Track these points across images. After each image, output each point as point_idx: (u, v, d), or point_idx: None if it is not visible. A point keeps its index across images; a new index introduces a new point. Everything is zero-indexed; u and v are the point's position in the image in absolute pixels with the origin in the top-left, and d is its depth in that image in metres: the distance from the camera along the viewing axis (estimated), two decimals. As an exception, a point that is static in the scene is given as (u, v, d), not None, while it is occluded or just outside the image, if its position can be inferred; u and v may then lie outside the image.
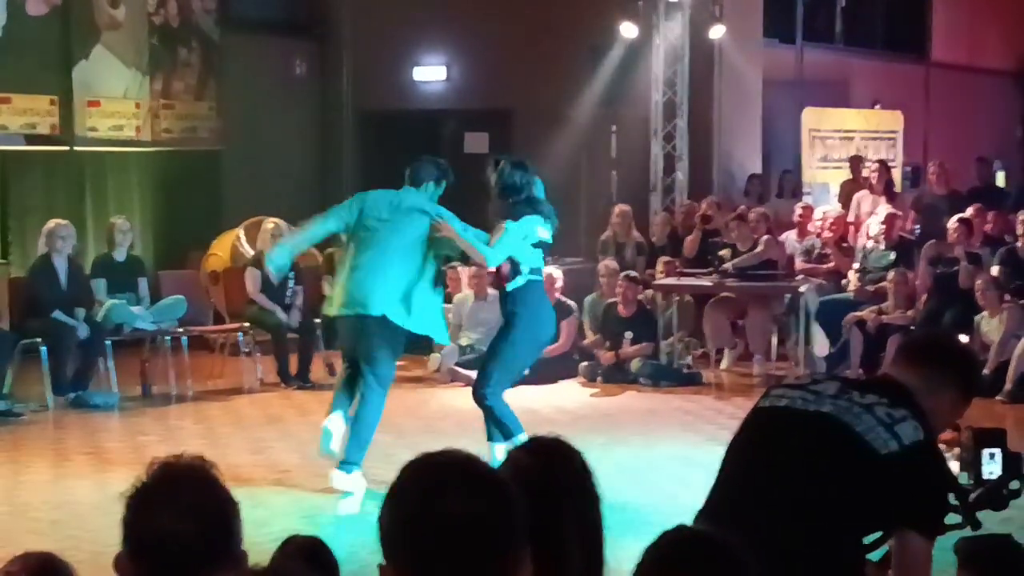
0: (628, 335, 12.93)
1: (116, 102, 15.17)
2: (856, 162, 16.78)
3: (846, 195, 15.98)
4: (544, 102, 16.27)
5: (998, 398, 11.39)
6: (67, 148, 14.69)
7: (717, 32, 15.87)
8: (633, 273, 13.38)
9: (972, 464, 3.82)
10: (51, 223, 11.93)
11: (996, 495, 3.81)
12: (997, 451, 3.83)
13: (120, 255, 12.37)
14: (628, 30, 15.58)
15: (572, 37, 16.14)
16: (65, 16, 14.62)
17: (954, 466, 3.82)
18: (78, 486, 8.84)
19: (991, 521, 3.87)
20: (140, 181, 15.53)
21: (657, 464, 9.51)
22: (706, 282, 13.33)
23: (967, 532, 3.76)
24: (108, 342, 11.86)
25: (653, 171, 15.93)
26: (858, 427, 3.58)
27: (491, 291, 13.35)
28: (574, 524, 2.87)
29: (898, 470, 3.52)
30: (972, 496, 3.77)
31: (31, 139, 14.36)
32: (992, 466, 3.82)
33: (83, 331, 11.59)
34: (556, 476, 2.89)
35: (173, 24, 15.80)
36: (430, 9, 17.07)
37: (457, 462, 2.33)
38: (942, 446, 3.79)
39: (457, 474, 2.29)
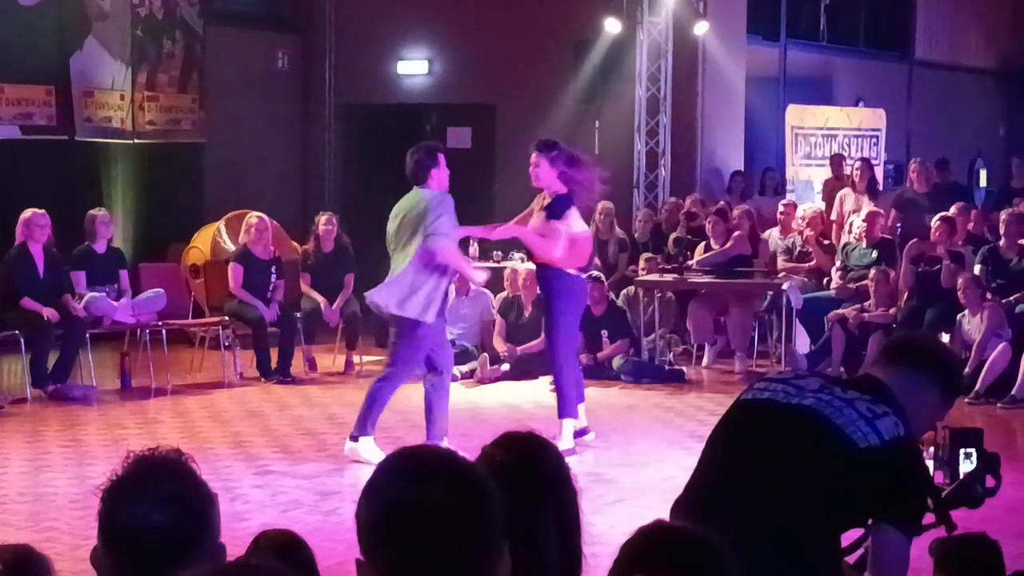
0: (604, 333, 12.93)
1: (105, 93, 15.14)
2: (837, 160, 16.81)
3: (829, 193, 16.00)
4: (527, 97, 16.26)
5: (967, 399, 11.29)
6: (66, 138, 14.63)
7: (701, 29, 15.88)
8: (597, 273, 13.26)
9: (948, 464, 3.82)
10: (27, 212, 11.86)
11: (971, 492, 3.81)
12: (973, 451, 3.82)
13: (101, 247, 12.31)
14: (612, 26, 15.58)
15: (556, 32, 16.13)
16: (60, 6, 14.57)
17: (930, 465, 3.82)
18: (56, 478, 8.81)
19: (970, 521, 3.87)
20: (124, 173, 15.46)
21: (636, 459, 9.51)
22: (668, 277, 13.40)
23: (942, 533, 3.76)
24: (87, 334, 11.82)
25: (636, 167, 15.95)
26: (838, 420, 3.57)
27: (473, 287, 13.35)
28: (551, 518, 2.87)
29: (877, 464, 3.52)
30: (946, 494, 3.76)
31: (26, 130, 14.29)
32: (968, 466, 3.82)
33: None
34: (531, 471, 2.89)
35: (157, 16, 15.75)
36: (413, 3, 17.05)
37: (435, 455, 2.33)
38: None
39: (435, 467, 2.29)
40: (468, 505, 2.23)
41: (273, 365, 12.61)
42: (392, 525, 2.21)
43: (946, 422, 3.92)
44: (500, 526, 2.27)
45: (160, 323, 12.44)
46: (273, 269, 12.85)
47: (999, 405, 11.47)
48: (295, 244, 14.51)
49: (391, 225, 9.24)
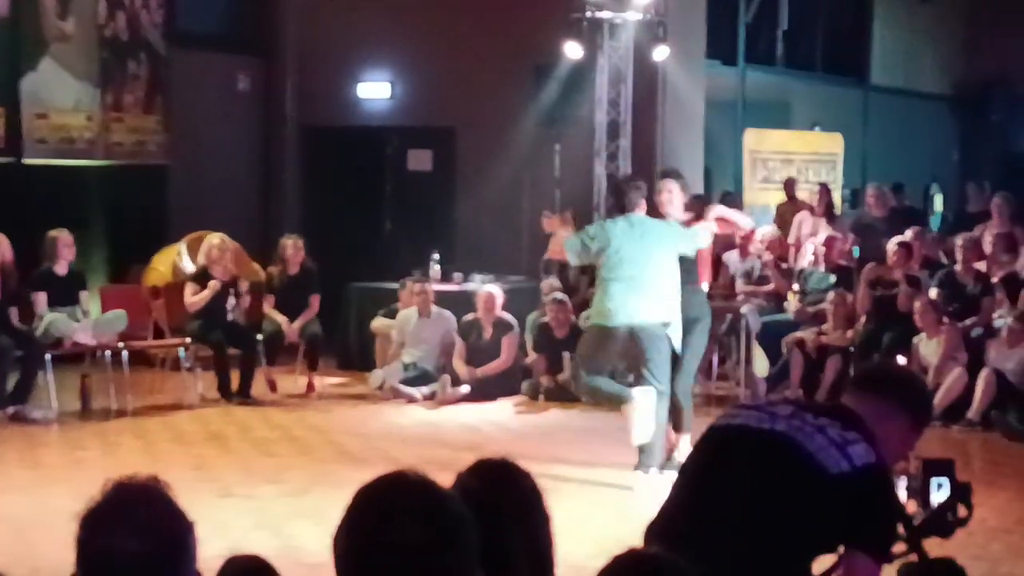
0: (566, 355, 12.96)
1: (66, 114, 15.07)
2: (790, 184, 16.94)
3: (781, 216, 16.14)
4: (488, 120, 16.31)
5: None
6: (13, 159, 14.56)
7: (661, 53, 15.95)
8: (561, 296, 13.35)
9: (921, 492, 3.87)
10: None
11: (942, 521, 3.86)
12: (945, 480, 3.88)
13: (61, 269, 12.28)
14: (573, 50, 15.63)
15: (517, 56, 16.19)
16: (12, 28, 14.51)
17: (902, 494, 3.87)
18: (17, 502, 8.77)
19: (929, 542, 3.93)
20: (82, 194, 15.38)
21: (598, 481, 9.55)
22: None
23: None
24: (48, 356, 11.79)
25: (596, 191, 16.02)
26: (810, 446, 3.63)
27: (434, 309, 13.38)
28: (523, 546, 2.90)
29: (848, 490, 3.57)
30: (917, 522, 3.81)
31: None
32: (940, 495, 3.88)
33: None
34: (504, 498, 2.92)
35: (123, 37, 15.72)
36: (375, 26, 17.07)
37: (409, 486, 2.36)
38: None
39: (409, 498, 2.32)
40: (442, 542, 2.26)
41: (234, 387, 12.60)
42: (366, 557, 2.25)
43: (915, 450, 3.98)
44: (475, 558, 2.31)
45: (121, 344, 12.41)
46: (231, 291, 12.84)
47: (955, 428, 11.57)
48: (256, 266, 14.50)
49: (630, 249, 9.49)
